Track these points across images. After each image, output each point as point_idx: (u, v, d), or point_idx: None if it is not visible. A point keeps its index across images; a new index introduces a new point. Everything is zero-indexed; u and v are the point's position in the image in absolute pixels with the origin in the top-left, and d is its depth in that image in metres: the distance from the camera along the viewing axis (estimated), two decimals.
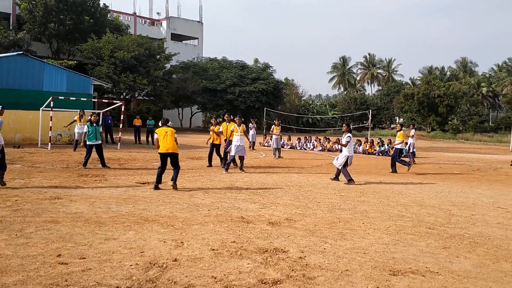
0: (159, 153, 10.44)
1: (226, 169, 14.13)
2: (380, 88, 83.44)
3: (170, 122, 10.88)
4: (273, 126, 21.43)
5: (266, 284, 4.58)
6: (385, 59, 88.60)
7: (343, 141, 12.83)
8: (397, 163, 16.08)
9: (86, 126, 13.97)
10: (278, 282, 4.64)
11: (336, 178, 13.01)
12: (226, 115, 16.62)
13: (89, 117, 14.57)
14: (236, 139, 14.22)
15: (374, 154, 25.42)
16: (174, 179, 10.39)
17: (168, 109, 50.43)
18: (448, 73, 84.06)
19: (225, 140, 15.39)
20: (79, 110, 19.78)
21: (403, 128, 16.93)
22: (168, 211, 7.84)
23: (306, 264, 5.25)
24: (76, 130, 19.57)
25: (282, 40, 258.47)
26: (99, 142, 13.93)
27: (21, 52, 23.01)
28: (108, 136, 24.44)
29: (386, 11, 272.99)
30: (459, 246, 6.32)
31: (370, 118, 40.33)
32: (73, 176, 11.71)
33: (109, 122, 24.47)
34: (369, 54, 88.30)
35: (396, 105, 62.02)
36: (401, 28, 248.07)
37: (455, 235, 6.97)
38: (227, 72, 51.27)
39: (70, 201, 8.33)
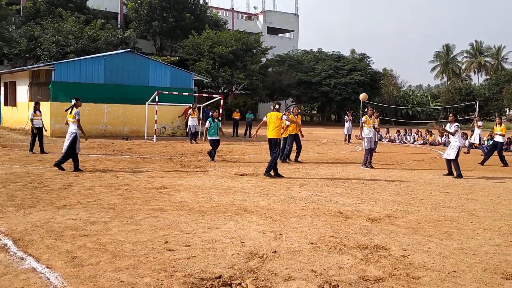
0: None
1: (369, 163, 13.65)
2: (488, 77, 77.59)
3: (276, 105, 11.61)
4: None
5: (367, 281, 4.47)
6: (494, 46, 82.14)
7: (452, 129, 12.17)
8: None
9: (208, 122, 14.15)
10: (380, 280, 4.50)
11: (450, 173, 12.37)
12: (295, 107, 15.58)
13: (211, 113, 14.87)
14: (367, 131, 13.72)
15: (482, 148, 23.74)
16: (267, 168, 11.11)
17: (263, 102, 51.13)
18: None
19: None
20: (191, 104, 21.18)
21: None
22: (266, 202, 7.95)
23: (410, 263, 5.04)
24: (189, 123, 20.82)
25: (381, 29, 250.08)
26: (218, 137, 14.17)
27: (129, 49, 24.57)
28: None
29: None
30: None
31: (477, 109, 37.70)
32: (176, 167, 12.31)
33: (210, 115, 25.39)
34: (475, 41, 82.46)
35: (507, 96, 57.29)
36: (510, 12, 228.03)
37: None
38: (322, 64, 50.78)
39: (175, 190, 8.77)
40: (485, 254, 5.48)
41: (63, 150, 11.13)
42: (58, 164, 10.99)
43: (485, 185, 10.98)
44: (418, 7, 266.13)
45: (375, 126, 14.55)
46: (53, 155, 13.71)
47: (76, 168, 10.98)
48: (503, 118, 66.55)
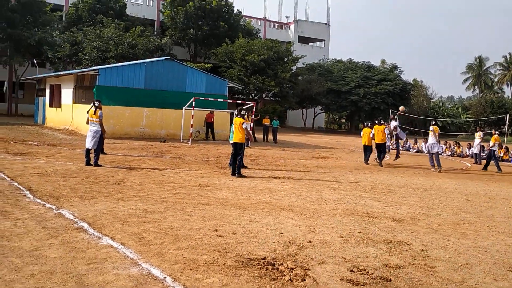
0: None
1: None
2: None
3: (243, 111, 12.84)
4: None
5: (390, 267, 5.24)
6: None
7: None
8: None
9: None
10: (401, 267, 5.27)
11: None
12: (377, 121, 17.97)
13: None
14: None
15: (510, 161, 23.99)
16: (238, 169, 12.00)
17: (292, 109, 51.90)
18: None
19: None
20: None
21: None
22: (299, 202, 8.78)
23: (428, 256, 5.78)
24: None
25: (412, 40, 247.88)
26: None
27: (168, 57, 25.76)
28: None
29: None
30: None
31: (507, 123, 37.58)
32: (214, 168, 13.25)
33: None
34: (509, 53, 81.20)
35: None
36: None
37: None
38: (352, 74, 51.25)
39: (216, 189, 9.69)
40: (496, 252, 6.17)
41: (91, 146, 12.25)
42: (96, 163, 12.15)
43: (507, 195, 11.53)
44: (450, 17, 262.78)
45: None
46: (104, 154, 14.85)
47: (96, 163, 12.24)
48: None
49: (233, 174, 11.95)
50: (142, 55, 36.35)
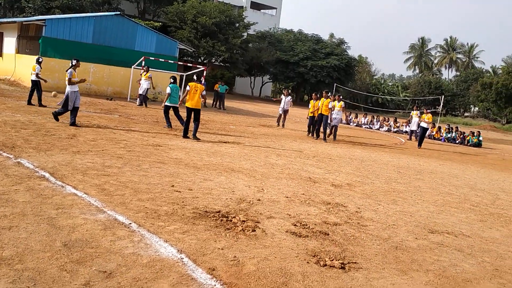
0: (186, 107, 12.36)
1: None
2: (457, 73, 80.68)
3: (202, 78, 12.76)
4: None
5: (328, 224, 5.96)
6: (467, 44, 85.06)
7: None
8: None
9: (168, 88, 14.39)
10: (338, 225, 6.01)
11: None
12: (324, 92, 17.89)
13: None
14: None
15: (440, 140, 25.83)
16: (194, 132, 12.36)
17: (241, 76, 52.15)
18: None
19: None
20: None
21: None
22: (249, 165, 9.37)
23: (361, 217, 6.57)
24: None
25: (360, 16, 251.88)
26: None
27: (119, 13, 25.15)
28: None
29: None
30: (494, 221, 7.39)
31: (441, 104, 39.92)
32: (164, 130, 13.55)
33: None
34: (450, 37, 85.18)
35: (473, 93, 60.20)
36: (488, 12, 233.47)
37: (494, 213, 8.00)
38: (301, 45, 52.04)
39: (169, 149, 10.08)
40: (419, 216, 7.08)
41: (70, 108, 12.02)
42: (73, 123, 11.91)
43: (434, 170, 12.73)
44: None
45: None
46: (49, 108, 14.71)
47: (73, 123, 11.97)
48: (466, 114, 69.93)
49: (184, 136, 12.32)
50: (89, 7, 35.11)
